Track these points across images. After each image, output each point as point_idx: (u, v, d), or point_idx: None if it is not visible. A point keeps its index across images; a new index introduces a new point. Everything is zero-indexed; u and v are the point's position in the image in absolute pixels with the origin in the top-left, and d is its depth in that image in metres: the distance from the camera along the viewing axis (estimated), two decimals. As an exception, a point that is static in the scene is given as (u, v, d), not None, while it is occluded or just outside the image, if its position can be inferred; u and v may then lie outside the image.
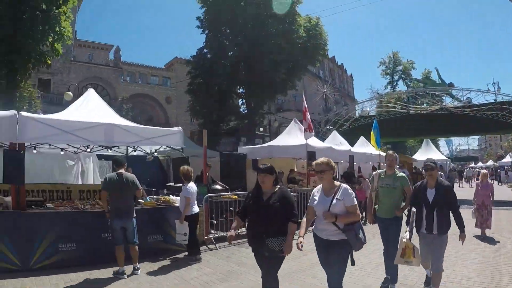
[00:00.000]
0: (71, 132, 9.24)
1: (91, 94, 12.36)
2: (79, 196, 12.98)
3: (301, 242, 5.27)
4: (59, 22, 22.60)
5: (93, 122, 9.76)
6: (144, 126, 11.26)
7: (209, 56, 38.57)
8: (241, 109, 42.54)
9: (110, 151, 12.89)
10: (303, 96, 18.19)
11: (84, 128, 9.42)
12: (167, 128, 11.64)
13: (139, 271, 8.75)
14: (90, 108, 11.35)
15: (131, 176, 8.83)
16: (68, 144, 12.71)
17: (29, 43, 21.16)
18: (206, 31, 38.40)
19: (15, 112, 8.82)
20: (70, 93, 25.71)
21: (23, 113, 8.89)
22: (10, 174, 8.93)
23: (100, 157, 16.50)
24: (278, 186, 5.79)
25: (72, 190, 13.17)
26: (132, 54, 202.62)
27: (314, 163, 5.76)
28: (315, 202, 5.64)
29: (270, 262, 5.62)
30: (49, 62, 23.31)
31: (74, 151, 14.50)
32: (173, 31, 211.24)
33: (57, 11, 22.39)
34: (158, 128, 11.76)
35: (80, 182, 15.17)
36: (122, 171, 8.77)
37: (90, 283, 8.06)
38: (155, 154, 13.58)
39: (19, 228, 8.67)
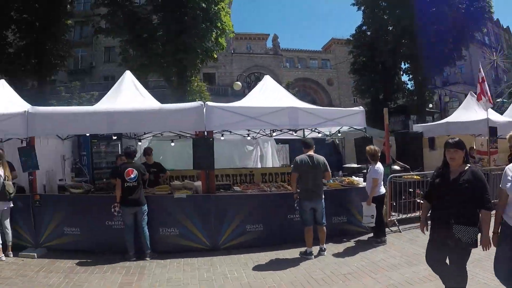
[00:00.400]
0: (257, 118, 9.48)
1: (268, 81, 12.48)
2: (262, 179, 13.36)
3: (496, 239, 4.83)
4: (219, 18, 23.69)
5: (276, 106, 9.89)
6: (327, 108, 11.27)
7: (368, 33, 37.72)
8: (408, 86, 41.01)
9: (294, 134, 12.96)
10: (480, 65, 16.92)
11: (268, 113, 9.58)
12: (348, 108, 11.41)
13: (325, 252, 8.73)
14: (268, 94, 11.54)
15: (321, 158, 8.79)
16: (248, 130, 13.13)
17: (194, 41, 22.29)
18: (363, 8, 37.62)
19: (201, 102, 9.32)
20: (239, 83, 26.58)
21: (209, 103, 9.35)
22: (200, 160, 9.40)
23: (277, 141, 16.81)
24: (468, 164, 5.12)
25: (255, 174, 13.65)
26: (289, 40, 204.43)
27: (508, 136, 5.08)
28: (509, 184, 4.84)
29: (455, 253, 5.06)
30: (215, 56, 24.37)
31: (253, 136, 14.84)
32: (327, 12, 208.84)
33: (216, 8, 23.32)
34: (340, 108, 11.63)
35: (259, 166, 15.62)
36: (311, 153, 8.77)
37: (278, 263, 8.24)
38: (339, 134, 13.40)
39: (210, 211, 9.21)
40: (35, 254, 9.22)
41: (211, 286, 7.13)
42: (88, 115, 9.52)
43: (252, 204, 9.55)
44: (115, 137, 13.23)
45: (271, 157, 16.30)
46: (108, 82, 46.62)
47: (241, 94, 34.10)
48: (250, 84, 27.57)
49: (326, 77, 64.00)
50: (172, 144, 13.44)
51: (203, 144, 9.36)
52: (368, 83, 37.50)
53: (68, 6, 28.75)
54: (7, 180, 9.20)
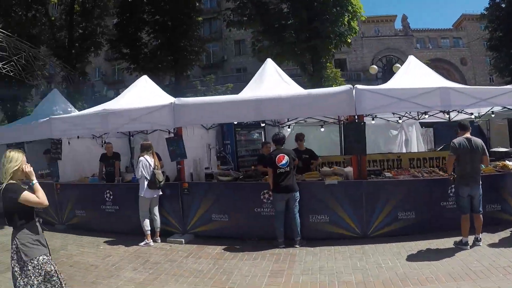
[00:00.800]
0: (408, 100, 8.95)
1: (412, 61, 11.92)
2: (409, 164, 12.86)
3: None
4: (349, 1, 23.01)
5: (427, 87, 9.27)
6: (479, 87, 10.48)
7: (503, 5, 35.00)
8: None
9: (446, 115, 12.34)
10: None
11: (419, 94, 8.98)
12: (503, 86, 10.55)
13: (481, 242, 8.10)
14: (414, 75, 10.98)
15: (479, 141, 8.19)
16: (393, 113, 12.65)
17: (326, 27, 21.91)
18: (494, -23, 34.89)
19: (350, 86, 9.00)
20: (375, 66, 26.12)
21: (359, 86, 8.99)
22: (351, 145, 9.12)
23: (421, 124, 16.13)
24: None
25: (402, 159, 13.14)
26: (416, 19, 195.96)
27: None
28: None
29: None
30: (349, 41, 23.89)
31: (398, 120, 14.31)
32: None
33: (345, -9, 22.80)
34: (494, 87, 10.76)
35: (404, 150, 15.10)
36: (468, 135, 8.19)
37: (431, 253, 7.80)
38: (493, 115, 12.48)
39: (361, 197, 8.90)
40: (183, 240, 9.62)
41: (366, 275, 6.87)
42: (235, 104, 9.70)
43: (404, 191, 9.11)
44: (263, 125, 13.44)
45: (416, 141, 15.67)
46: (240, 74, 48.53)
47: (373, 79, 33.44)
48: (383, 68, 26.75)
49: (459, 56, 60.71)
50: (322, 129, 13.36)
51: (354, 129, 9.07)
52: (507, 60, 34.74)
53: (197, 3, 29.66)
54: (157, 169, 9.58)
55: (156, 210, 9.85)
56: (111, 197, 10.97)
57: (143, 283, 7.20)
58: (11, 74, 21.36)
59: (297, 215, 8.74)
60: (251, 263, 7.84)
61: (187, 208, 9.95)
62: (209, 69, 51.70)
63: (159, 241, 9.76)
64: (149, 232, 9.63)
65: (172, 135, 10.27)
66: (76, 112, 13.54)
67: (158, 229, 9.84)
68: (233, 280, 7.02)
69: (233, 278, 7.13)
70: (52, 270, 4.84)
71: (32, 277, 4.66)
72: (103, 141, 13.70)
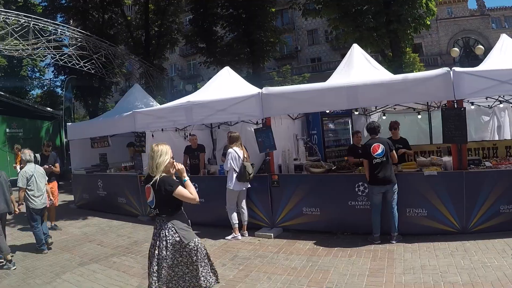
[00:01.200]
0: (509, 82, 8.19)
1: (505, 40, 11.20)
2: (506, 153, 12.19)
3: None
4: (426, -18, 22.25)
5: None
6: None
7: None
8: None
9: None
10: None
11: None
12: None
13: None
14: (510, 53, 10.30)
15: None
16: (486, 98, 11.70)
17: (405, 9, 21.24)
18: None
19: (447, 69, 8.41)
20: (456, 49, 25.13)
21: (456, 69, 8.41)
22: (451, 133, 8.50)
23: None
24: None
25: (498, 147, 12.46)
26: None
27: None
28: None
29: None
30: (428, 23, 23.13)
31: (489, 105, 13.64)
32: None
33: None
34: None
35: (496, 137, 14.28)
36: None
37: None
38: None
39: (461, 189, 8.30)
40: (272, 234, 9.47)
41: (472, 276, 6.33)
42: (327, 91, 9.37)
43: (507, 182, 8.31)
44: (357, 113, 13.41)
45: (509, 128, 14.64)
46: (315, 63, 48.70)
47: (451, 63, 32.23)
48: (465, 50, 25.56)
49: (538, 35, 57.42)
50: (419, 116, 12.93)
51: (454, 115, 8.42)
52: None
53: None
54: (246, 161, 9.47)
55: (244, 203, 9.77)
56: (197, 189, 10.89)
57: (234, 280, 7.08)
58: (92, 71, 22.14)
59: (395, 208, 8.31)
60: (347, 260, 7.52)
61: (276, 201, 9.81)
62: (283, 60, 52.31)
63: (247, 235, 9.69)
64: (236, 226, 9.58)
65: (257, 126, 10.13)
66: (159, 106, 13.69)
67: (246, 223, 9.77)
68: (330, 280, 6.71)
69: (330, 277, 6.83)
70: (205, 250, 5.23)
71: (188, 256, 5.07)
72: (186, 134, 13.78)
